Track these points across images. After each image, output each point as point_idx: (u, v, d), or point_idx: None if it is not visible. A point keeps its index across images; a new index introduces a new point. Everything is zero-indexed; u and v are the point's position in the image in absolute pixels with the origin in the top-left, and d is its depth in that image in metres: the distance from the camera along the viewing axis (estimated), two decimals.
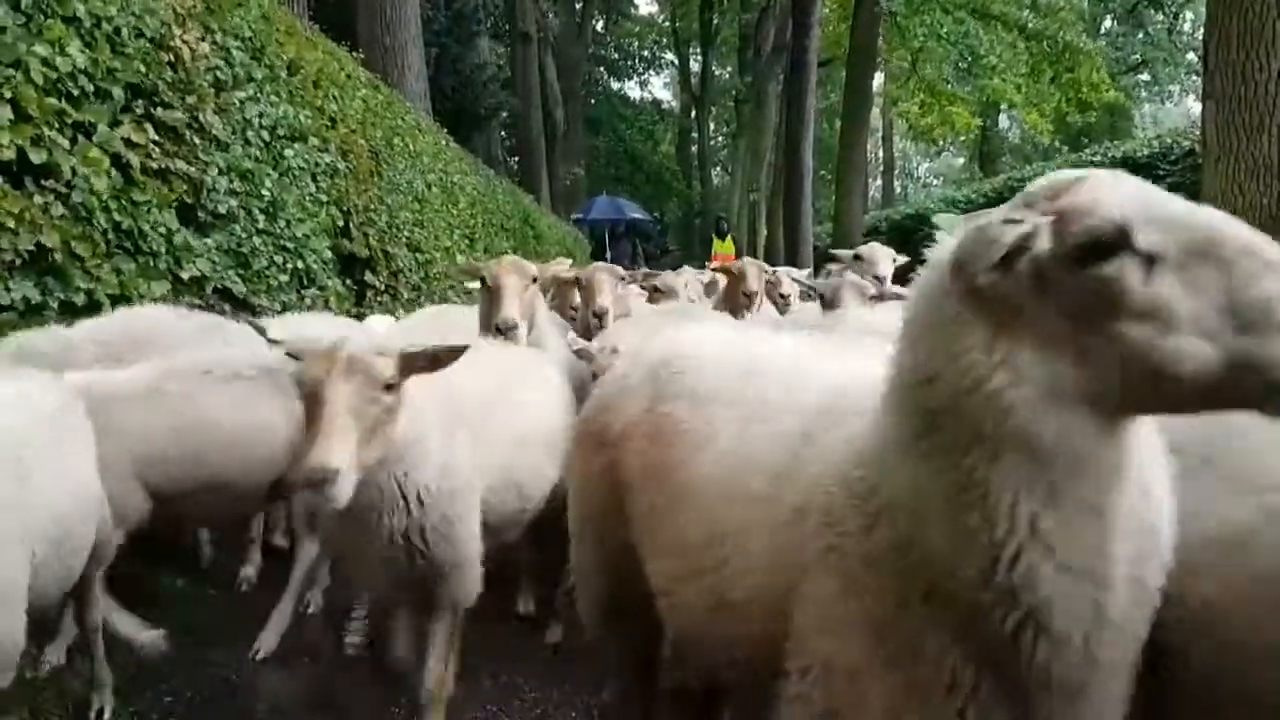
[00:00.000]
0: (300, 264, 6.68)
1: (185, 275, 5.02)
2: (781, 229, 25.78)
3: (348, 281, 7.84)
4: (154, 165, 4.84)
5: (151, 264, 4.72)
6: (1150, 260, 1.18)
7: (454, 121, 17.40)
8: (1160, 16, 28.61)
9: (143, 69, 4.80)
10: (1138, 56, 32.04)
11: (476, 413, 3.06)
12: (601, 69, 47.38)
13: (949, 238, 1.40)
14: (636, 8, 47.23)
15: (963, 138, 36.08)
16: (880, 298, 4.77)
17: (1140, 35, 31.35)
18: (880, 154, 49.18)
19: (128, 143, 4.60)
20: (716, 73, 47.25)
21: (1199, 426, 1.50)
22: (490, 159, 21.94)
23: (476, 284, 4.58)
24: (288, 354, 2.60)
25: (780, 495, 1.72)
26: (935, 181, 60.28)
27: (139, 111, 4.80)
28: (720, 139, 53.79)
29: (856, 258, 6.24)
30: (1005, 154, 42.62)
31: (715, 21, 41.71)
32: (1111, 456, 1.28)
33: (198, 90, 5.38)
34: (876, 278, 5.77)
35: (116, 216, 4.43)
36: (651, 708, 2.74)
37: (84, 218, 4.22)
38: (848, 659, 1.50)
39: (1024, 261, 1.26)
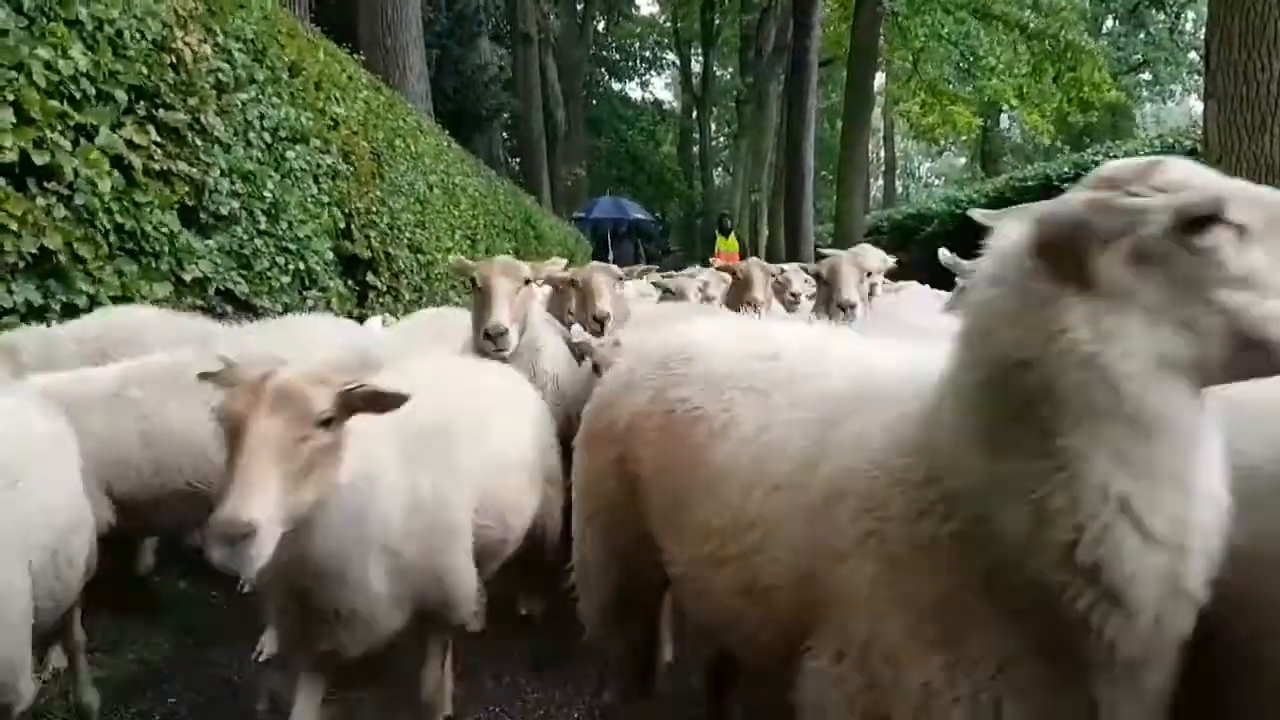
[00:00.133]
0: (302, 265, 6.69)
1: (187, 277, 5.03)
2: (783, 229, 25.78)
3: (349, 283, 7.85)
4: (156, 167, 4.84)
5: (154, 265, 4.73)
6: (1240, 231, 1.26)
7: (455, 123, 17.41)
8: (1161, 16, 28.57)
9: (145, 71, 4.81)
10: (1139, 56, 32.03)
11: (450, 439, 2.75)
12: (603, 70, 47.40)
13: (1010, 227, 1.46)
14: (638, 8, 47.28)
15: (964, 138, 36.08)
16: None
17: (1142, 35, 31.32)
18: (882, 154, 49.19)
19: (130, 144, 4.61)
20: (718, 73, 47.26)
21: None
22: (492, 160, 21.94)
23: None
24: (209, 380, 2.27)
25: (808, 482, 1.75)
26: (937, 181, 60.26)
27: (141, 113, 4.80)
28: (722, 139, 53.79)
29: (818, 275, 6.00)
30: (1006, 154, 42.60)
31: (716, 22, 41.72)
32: (1196, 425, 1.33)
33: (199, 92, 5.38)
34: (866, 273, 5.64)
35: (119, 218, 4.44)
36: (651, 708, 2.75)
37: (86, 220, 4.22)
38: (887, 641, 1.54)
39: (1128, 238, 1.31)
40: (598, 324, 4.92)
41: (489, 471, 2.91)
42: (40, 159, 3.93)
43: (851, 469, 1.67)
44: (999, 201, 18.07)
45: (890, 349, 2.06)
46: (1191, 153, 12.80)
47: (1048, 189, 16.28)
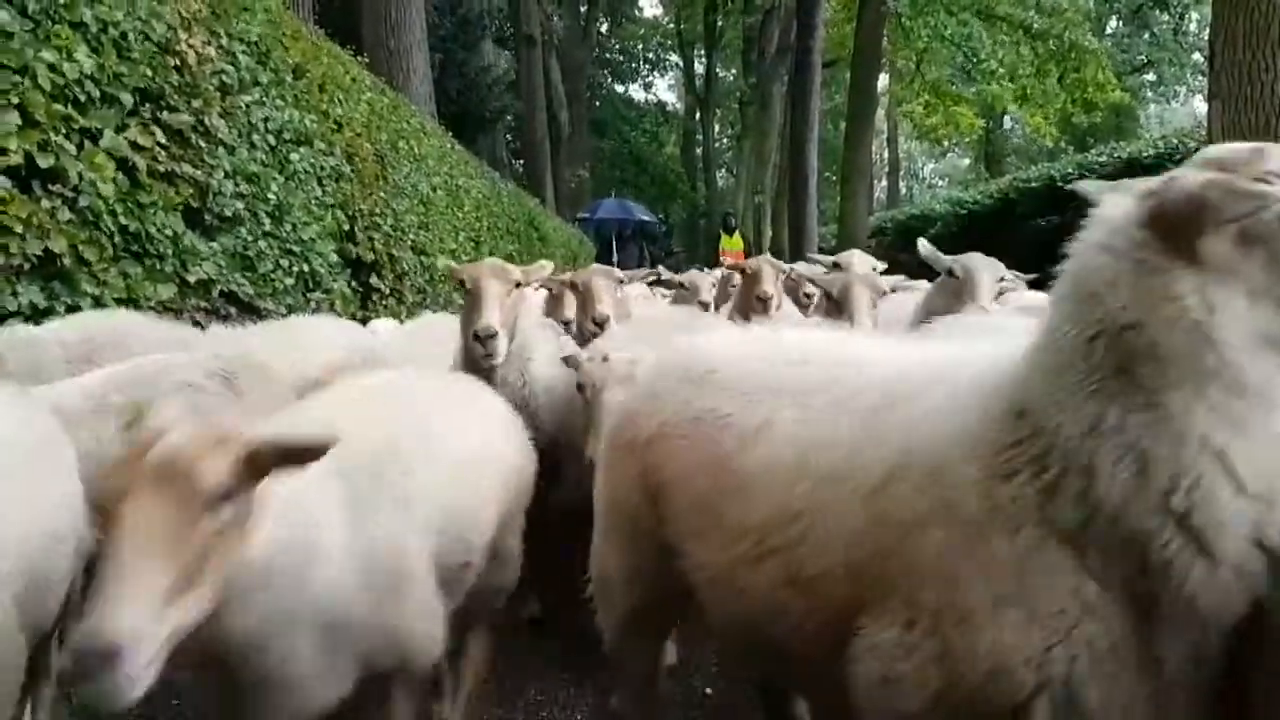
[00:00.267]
0: (306, 267, 6.70)
1: (192, 278, 5.04)
2: (786, 231, 25.78)
3: (353, 285, 7.86)
4: (160, 169, 4.85)
5: (158, 267, 4.74)
6: None
7: (459, 125, 17.44)
8: (1165, 17, 28.53)
9: (149, 74, 4.82)
10: (1143, 57, 31.98)
11: (402, 463, 2.40)
12: (606, 71, 47.45)
13: (1117, 200, 1.58)
14: (641, 10, 47.36)
15: (968, 139, 36.07)
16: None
17: (1145, 36, 31.28)
18: (885, 155, 49.19)
19: (134, 147, 4.62)
20: (721, 74, 47.27)
21: None
22: (495, 162, 21.98)
23: None
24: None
25: (861, 467, 1.80)
26: (940, 183, 60.22)
27: (146, 116, 4.81)
28: (725, 141, 53.82)
29: (835, 265, 5.96)
30: (1010, 155, 42.58)
31: (720, 23, 41.72)
32: None
33: (204, 94, 5.40)
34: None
35: (123, 220, 4.45)
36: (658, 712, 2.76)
37: (91, 222, 4.23)
38: (960, 605, 1.58)
39: (1244, 220, 1.43)
40: (598, 327, 4.91)
41: (446, 489, 2.55)
42: (45, 161, 3.93)
43: (912, 448, 1.74)
44: (1003, 203, 18.12)
45: (900, 346, 2.16)
46: (1196, 153, 12.77)
47: (1052, 190, 16.26)
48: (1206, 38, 8.64)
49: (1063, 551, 1.50)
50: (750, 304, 5.52)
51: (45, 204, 3.95)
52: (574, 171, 34.62)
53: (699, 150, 47.72)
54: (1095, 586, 1.49)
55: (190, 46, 5.28)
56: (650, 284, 7.17)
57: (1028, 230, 16.08)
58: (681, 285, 6.58)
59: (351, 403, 2.59)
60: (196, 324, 4.99)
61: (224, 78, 5.73)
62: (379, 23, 13.98)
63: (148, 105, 4.85)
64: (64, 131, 4.08)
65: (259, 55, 6.38)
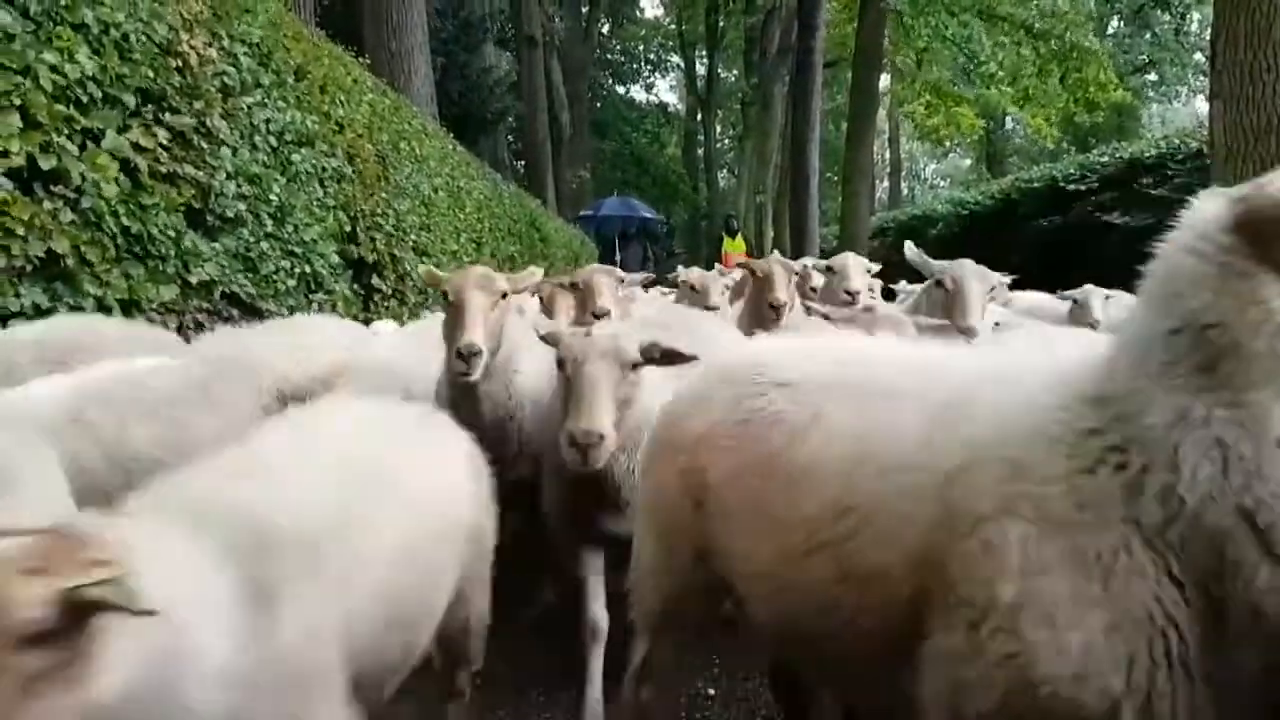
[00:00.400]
0: (308, 268, 6.70)
1: (194, 279, 5.04)
2: (788, 231, 25.75)
3: (355, 286, 7.86)
4: (162, 170, 4.86)
5: (160, 268, 4.74)
6: None
7: (460, 126, 17.45)
8: (1166, 17, 28.52)
9: (151, 75, 4.83)
10: (1144, 57, 31.95)
11: (318, 533, 1.90)
12: (607, 73, 47.47)
13: (1206, 203, 1.60)
14: (642, 11, 47.35)
15: (969, 139, 36.03)
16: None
17: (1147, 36, 31.26)
18: (887, 156, 49.17)
19: (136, 148, 4.62)
20: (722, 75, 47.27)
21: None
22: (497, 163, 21.99)
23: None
24: None
25: (928, 460, 1.79)
26: (942, 183, 60.21)
27: (147, 117, 4.82)
28: (726, 141, 53.82)
29: (829, 269, 5.85)
30: (1012, 155, 42.57)
31: (721, 24, 41.72)
32: None
33: (205, 95, 5.40)
34: (848, 292, 5.40)
35: (125, 221, 4.45)
36: (661, 710, 2.77)
37: (93, 223, 4.24)
38: (1043, 601, 1.55)
39: None
40: (598, 321, 4.83)
41: (380, 559, 2.07)
42: (47, 163, 3.94)
43: (987, 440, 1.72)
44: (1005, 203, 18.10)
45: (958, 349, 2.23)
46: (1198, 154, 12.78)
47: (1054, 190, 16.27)
48: (1208, 38, 8.63)
49: (1147, 552, 1.49)
50: (762, 309, 5.33)
51: (47, 205, 3.95)
52: (575, 172, 34.62)
53: (700, 151, 47.73)
54: (1175, 591, 1.47)
55: (192, 48, 5.28)
56: (646, 286, 7.03)
57: (1030, 230, 16.09)
58: (692, 288, 6.37)
59: (272, 451, 2.12)
60: (199, 325, 5.00)
61: (226, 79, 5.74)
62: (380, 24, 13.99)
63: (149, 106, 4.85)
64: (66, 133, 4.08)
65: (261, 57, 6.38)
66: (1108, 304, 5.92)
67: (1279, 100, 7.12)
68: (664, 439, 2.56)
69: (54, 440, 2.67)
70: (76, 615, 1.31)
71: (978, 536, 1.65)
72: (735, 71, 47.08)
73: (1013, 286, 6.41)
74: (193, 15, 5.40)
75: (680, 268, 7.65)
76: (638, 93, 51.00)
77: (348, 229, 7.72)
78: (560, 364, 3.14)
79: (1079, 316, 6.04)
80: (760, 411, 2.20)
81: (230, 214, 5.59)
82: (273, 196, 6.23)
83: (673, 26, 46.57)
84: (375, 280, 8.19)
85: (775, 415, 2.16)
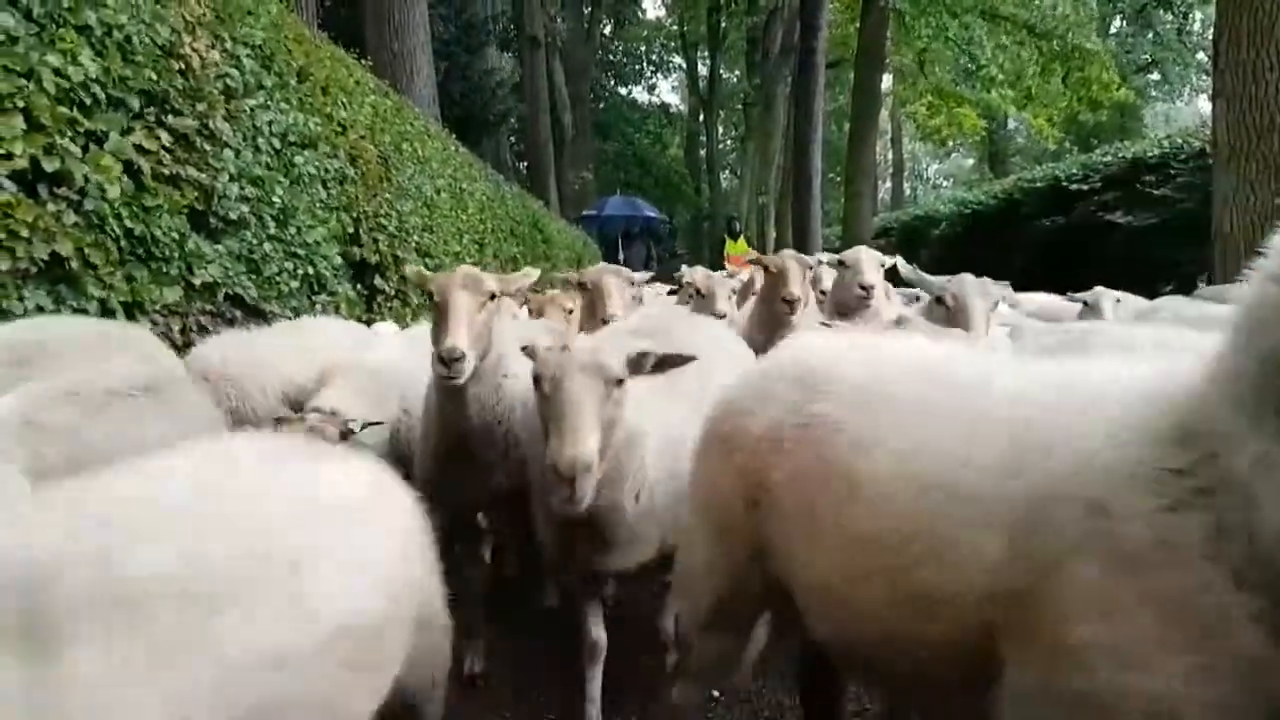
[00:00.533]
0: (311, 270, 6.71)
1: (197, 281, 5.05)
2: (790, 232, 25.75)
3: (358, 287, 7.87)
4: (165, 172, 4.86)
5: (164, 270, 4.75)
6: None
7: (463, 128, 17.47)
8: (1169, 16, 28.51)
9: (154, 77, 4.83)
10: (1147, 56, 31.93)
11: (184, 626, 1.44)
12: (609, 73, 47.49)
13: None
14: (644, 12, 47.33)
15: (971, 139, 36.04)
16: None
17: (1149, 35, 31.23)
18: (889, 156, 49.15)
19: (139, 150, 4.62)
20: (724, 76, 47.30)
21: None
22: (499, 164, 22.01)
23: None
24: None
25: (1007, 487, 1.72)
26: (945, 183, 60.19)
27: (150, 119, 4.83)
28: (729, 142, 53.86)
29: (841, 264, 5.60)
30: (1015, 155, 42.56)
31: (723, 24, 41.70)
32: None
33: (208, 98, 5.41)
34: (862, 286, 5.22)
35: (129, 223, 4.46)
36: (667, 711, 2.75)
37: (97, 225, 4.24)
38: (1124, 643, 1.50)
39: None
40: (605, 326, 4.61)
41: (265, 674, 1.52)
42: (50, 165, 3.94)
43: (1067, 472, 1.65)
44: (1008, 203, 18.09)
45: (1026, 363, 2.10)
46: (1200, 153, 12.76)
47: (1056, 189, 16.26)
48: (1210, 37, 8.63)
49: (1232, 595, 1.43)
50: (776, 305, 5.12)
51: (51, 207, 3.96)
52: (578, 174, 34.65)
53: (703, 152, 47.72)
54: (1259, 635, 1.41)
55: (194, 50, 5.29)
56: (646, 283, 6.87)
57: (1032, 230, 16.09)
58: (697, 291, 6.02)
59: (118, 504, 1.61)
60: (202, 327, 5.01)
61: (228, 81, 5.74)
62: (382, 26, 14.01)
63: (152, 109, 4.86)
64: (69, 135, 4.09)
65: (263, 59, 6.39)
66: (1119, 307, 5.83)
67: None
68: (720, 434, 2.47)
69: (14, 447, 2.63)
70: None
71: (1056, 574, 1.60)
72: (737, 72, 47.10)
73: (1016, 287, 6.39)
74: (195, 17, 5.40)
75: (684, 267, 7.51)
76: (640, 94, 51.08)
77: (350, 231, 7.73)
78: (537, 381, 2.83)
79: (1089, 319, 5.94)
80: (822, 416, 2.13)
81: (233, 216, 5.59)
82: (275, 198, 6.24)
83: (675, 27, 46.55)
84: (378, 282, 8.20)
85: (837, 423, 2.09)
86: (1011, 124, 39.30)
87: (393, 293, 8.45)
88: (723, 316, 5.65)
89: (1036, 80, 23.58)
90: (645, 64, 50.17)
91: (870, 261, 5.39)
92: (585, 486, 2.59)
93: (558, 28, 34.36)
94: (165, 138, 4.88)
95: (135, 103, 4.66)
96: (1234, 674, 1.42)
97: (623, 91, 49.30)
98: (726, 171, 52.34)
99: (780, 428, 2.22)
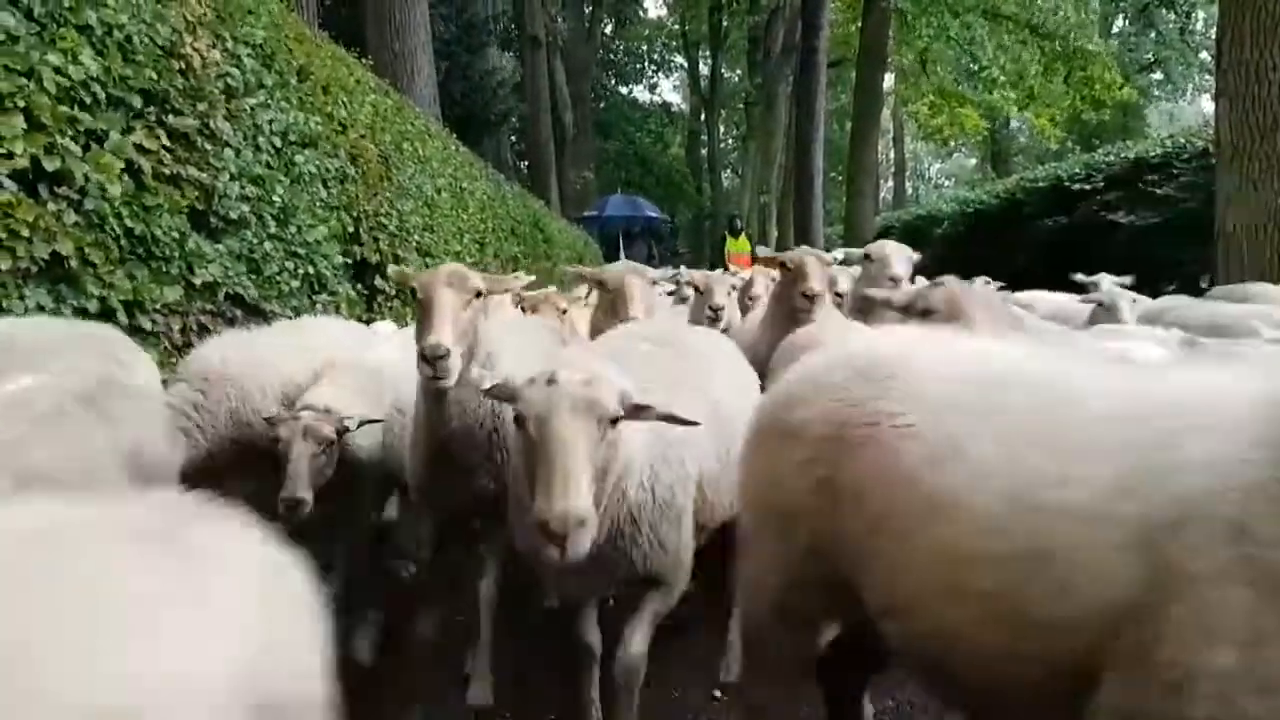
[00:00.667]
0: (311, 269, 6.71)
1: (198, 281, 5.05)
2: (792, 231, 25.77)
3: (359, 287, 7.86)
4: (166, 171, 4.86)
5: (164, 270, 4.74)
6: None
7: (463, 127, 17.46)
8: (1172, 16, 28.49)
9: (154, 76, 4.83)
10: (1150, 56, 31.91)
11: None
12: (610, 73, 47.49)
13: None
14: (645, 11, 47.32)
15: (973, 139, 36.02)
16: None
17: (1152, 35, 31.22)
18: (891, 155, 49.12)
19: (140, 149, 4.62)
20: (726, 75, 47.29)
21: None
22: (500, 164, 22.00)
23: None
24: None
25: (1131, 511, 1.64)
26: (947, 183, 60.17)
27: (151, 118, 4.82)
28: (730, 141, 53.84)
29: (866, 257, 5.33)
30: (1017, 154, 42.55)
31: (724, 23, 41.70)
32: None
33: (209, 97, 5.40)
34: (892, 279, 4.93)
35: (129, 223, 4.45)
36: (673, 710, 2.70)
37: (97, 224, 4.24)
38: (1259, 672, 1.46)
39: None
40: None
41: None
42: (51, 164, 3.94)
43: (1200, 494, 1.58)
44: (1010, 202, 18.07)
45: (1122, 371, 2.00)
46: (1203, 152, 12.74)
47: (1059, 189, 16.24)
48: (1213, 36, 8.61)
49: None
50: (793, 304, 4.85)
51: (51, 207, 3.95)
52: (579, 173, 34.65)
53: (704, 151, 47.75)
54: None
55: (195, 50, 5.29)
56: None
57: (1035, 230, 16.08)
58: (696, 289, 5.88)
59: None
60: (202, 327, 5.01)
61: (229, 80, 5.74)
62: (383, 25, 14.01)
63: (153, 108, 4.86)
64: (70, 134, 4.09)
65: (264, 58, 6.38)
66: (1135, 306, 5.61)
67: None
68: (779, 429, 2.33)
69: None
70: None
71: (1191, 598, 1.53)
72: (739, 71, 47.09)
73: (1017, 286, 6.37)
74: (196, 17, 5.40)
75: (683, 267, 7.50)
76: (641, 93, 51.07)
77: (351, 230, 7.72)
78: (519, 421, 2.49)
79: (1103, 321, 5.62)
80: (891, 418, 2.02)
81: (234, 215, 5.59)
82: (276, 198, 6.23)
83: (676, 26, 46.55)
84: (378, 281, 8.19)
85: (909, 429, 1.99)
86: (1014, 123, 39.29)
87: (393, 292, 8.45)
88: (721, 308, 5.58)
89: (1039, 80, 23.56)
90: (646, 63, 50.18)
91: (899, 253, 5.14)
92: (580, 542, 2.28)
93: (559, 27, 34.37)
94: (165, 137, 4.87)
95: (136, 102, 4.65)
96: None
97: (624, 91, 49.33)
98: (728, 171, 52.35)
99: (845, 428, 2.11)
